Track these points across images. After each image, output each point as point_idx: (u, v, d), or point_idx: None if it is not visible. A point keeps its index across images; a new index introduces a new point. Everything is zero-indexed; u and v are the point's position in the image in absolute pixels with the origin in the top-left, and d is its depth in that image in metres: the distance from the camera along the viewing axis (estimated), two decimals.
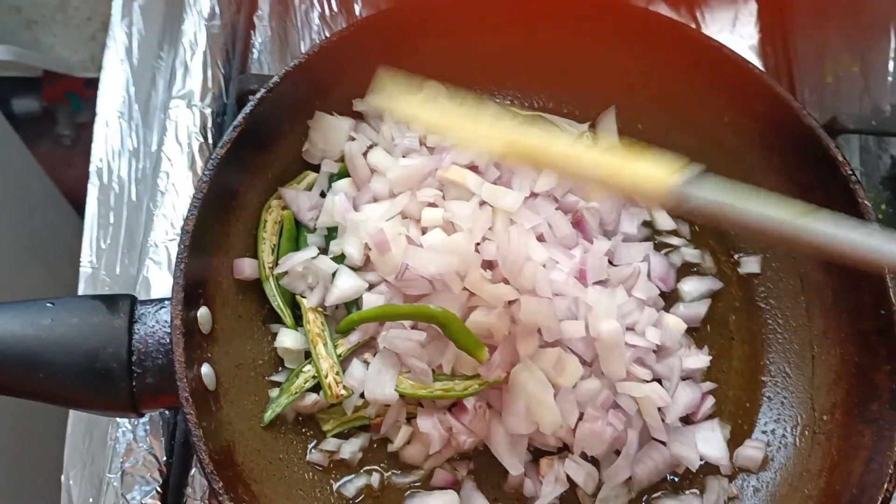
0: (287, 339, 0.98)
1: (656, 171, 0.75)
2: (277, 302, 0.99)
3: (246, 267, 0.99)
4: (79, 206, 2.12)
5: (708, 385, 1.02)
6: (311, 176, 1.07)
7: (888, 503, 0.84)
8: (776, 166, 1.04)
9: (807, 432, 0.98)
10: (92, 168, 1.21)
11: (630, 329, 0.98)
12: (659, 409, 0.95)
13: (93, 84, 1.29)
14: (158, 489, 1.01)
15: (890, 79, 1.37)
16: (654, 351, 0.99)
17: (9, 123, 1.85)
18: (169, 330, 0.85)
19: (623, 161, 0.77)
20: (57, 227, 2.06)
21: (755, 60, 1.30)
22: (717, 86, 1.05)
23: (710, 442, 0.98)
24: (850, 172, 0.95)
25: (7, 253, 1.72)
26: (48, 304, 0.85)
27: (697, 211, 0.73)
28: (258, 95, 0.94)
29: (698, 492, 0.98)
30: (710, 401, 1.01)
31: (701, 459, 0.97)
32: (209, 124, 1.19)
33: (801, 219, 0.68)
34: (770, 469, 0.98)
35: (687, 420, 1.00)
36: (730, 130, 1.07)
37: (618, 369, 0.94)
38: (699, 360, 1.01)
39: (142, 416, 0.90)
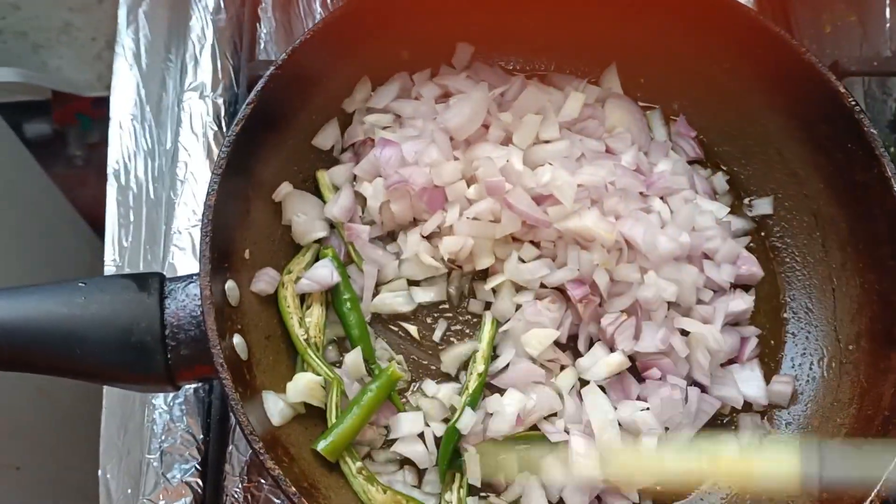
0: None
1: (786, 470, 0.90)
2: (323, 369, 0.97)
3: (262, 281, 0.99)
4: (95, 225, 2.16)
5: (752, 329, 1.03)
6: (312, 248, 1.06)
7: None
8: (780, 106, 1.05)
9: (833, 364, 0.99)
10: (109, 171, 1.24)
11: (708, 258, 1.02)
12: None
13: (101, 103, 1.33)
14: (198, 466, 1.02)
15: (888, 25, 1.38)
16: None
17: (24, 147, 1.88)
18: (199, 302, 0.87)
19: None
20: (76, 246, 2.09)
21: None
22: (715, 33, 1.06)
23: (749, 382, 0.99)
24: (853, 103, 0.96)
25: (29, 274, 1.75)
26: (80, 284, 0.87)
27: None
28: (268, 72, 0.97)
29: (734, 429, 1.00)
30: (754, 342, 1.02)
31: None
32: (222, 113, 1.22)
33: None
34: (801, 402, 0.99)
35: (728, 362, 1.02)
36: (731, 76, 1.08)
37: (688, 295, 0.97)
38: (744, 301, 1.03)
39: (178, 388, 0.91)
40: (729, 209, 1.08)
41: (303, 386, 0.94)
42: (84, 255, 2.07)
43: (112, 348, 0.86)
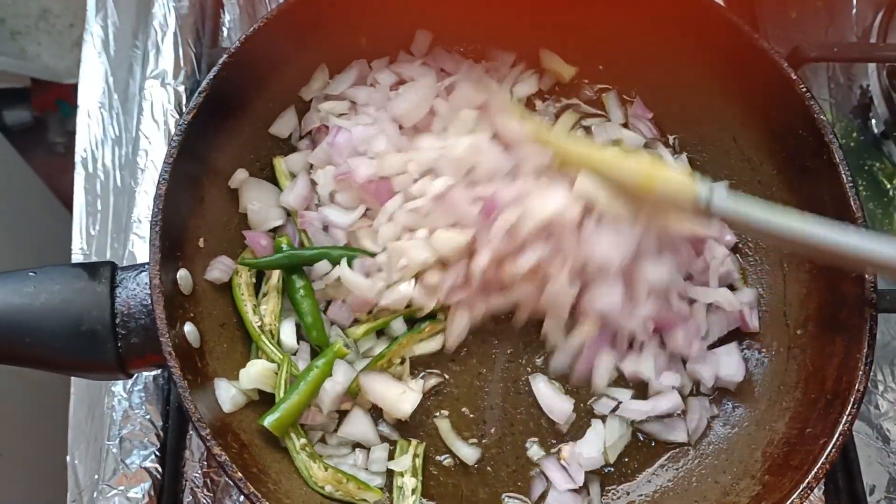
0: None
1: (684, 180, 0.89)
2: (276, 354, 0.98)
3: (216, 269, 0.99)
4: None
5: (749, 293, 1.05)
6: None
7: (860, 403, 0.86)
8: (735, 92, 1.06)
9: (782, 349, 1.00)
10: (77, 159, 1.24)
11: None
12: None
13: None
14: (157, 453, 1.04)
15: (854, 10, 1.38)
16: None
17: (3, 135, 1.89)
18: (149, 291, 0.88)
19: (656, 169, 0.92)
20: (57, 233, 2.10)
21: None
22: (672, 20, 1.06)
23: (729, 363, 1.01)
24: (804, 90, 0.96)
25: (8, 262, 1.76)
26: (30, 273, 0.88)
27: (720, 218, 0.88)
28: (221, 61, 0.97)
29: (681, 413, 1.01)
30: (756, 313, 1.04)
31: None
32: (184, 101, 1.22)
33: (808, 226, 0.79)
34: (749, 387, 1.00)
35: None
36: (687, 63, 1.08)
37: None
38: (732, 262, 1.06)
39: (130, 376, 0.93)
40: None
41: (255, 373, 0.95)
42: (66, 242, 2.07)
43: (62, 337, 0.87)
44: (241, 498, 1.02)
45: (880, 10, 1.34)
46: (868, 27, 1.36)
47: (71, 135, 2.42)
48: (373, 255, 1.00)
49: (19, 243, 1.87)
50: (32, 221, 2.01)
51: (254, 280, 1.02)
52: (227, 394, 0.93)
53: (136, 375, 1.05)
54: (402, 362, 1.00)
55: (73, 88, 2.26)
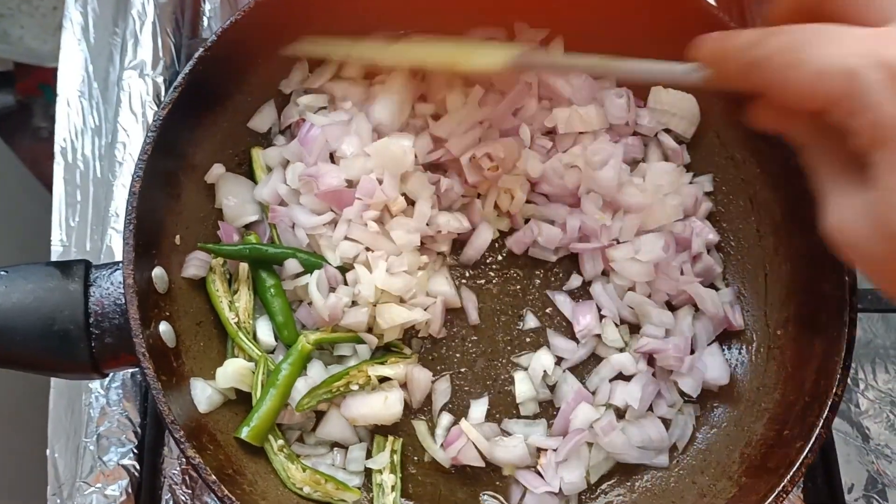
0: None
1: (498, 50, 0.91)
2: (254, 351, 0.97)
3: (192, 266, 0.98)
4: None
5: (727, 292, 1.04)
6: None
7: (837, 407, 0.86)
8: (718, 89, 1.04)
9: (762, 349, 0.99)
10: (56, 148, 1.23)
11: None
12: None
13: None
14: (134, 450, 1.03)
15: None
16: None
17: None
18: (123, 290, 0.87)
19: (471, 47, 0.96)
20: (40, 219, 2.07)
21: None
22: (659, 14, 1.03)
23: (713, 366, 1.00)
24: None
25: None
26: (2, 273, 0.87)
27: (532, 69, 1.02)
28: (196, 55, 0.95)
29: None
30: (738, 309, 1.03)
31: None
32: (162, 93, 1.21)
33: (607, 62, 0.85)
34: (729, 387, 1.00)
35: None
36: (674, 59, 1.06)
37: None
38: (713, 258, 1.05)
39: (105, 376, 0.92)
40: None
41: (232, 372, 0.94)
42: (48, 229, 2.05)
43: (35, 337, 0.86)
44: None
45: None
46: None
47: (54, 120, 2.41)
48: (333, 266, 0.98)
49: (1, 228, 1.85)
50: (15, 206, 1.99)
51: (228, 276, 1.01)
52: (204, 394, 0.92)
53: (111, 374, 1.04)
54: (368, 381, 0.98)
55: (57, 72, 2.26)
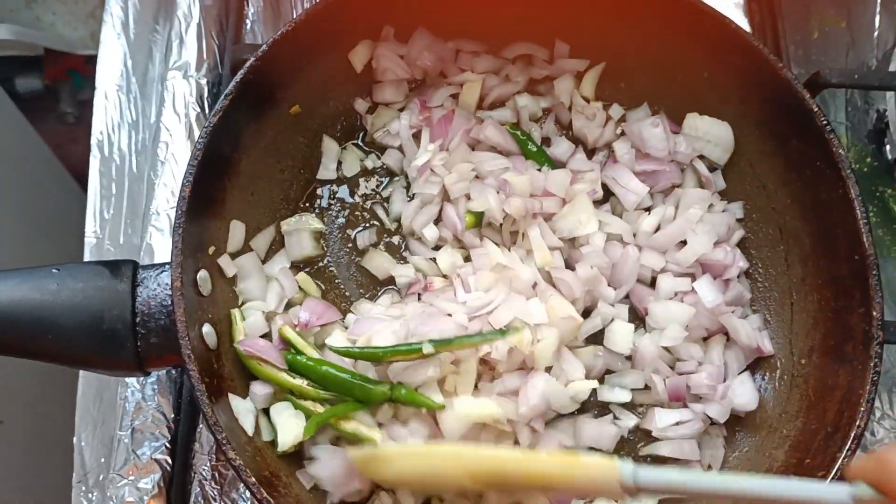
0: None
1: (603, 464, 0.78)
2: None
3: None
4: (84, 182, 2.14)
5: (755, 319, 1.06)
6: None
7: (860, 439, 0.88)
8: (754, 119, 1.07)
9: (786, 376, 1.02)
10: (93, 141, 1.25)
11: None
12: None
13: (93, 61, 1.31)
14: (167, 445, 1.06)
15: (876, 34, 1.38)
16: None
17: (12, 102, 1.88)
18: (170, 292, 0.89)
19: (572, 461, 0.81)
20: (63, 202, 2.10)
21: (741, 17, 1.32)
22: (696, 41, 1.07)
23: (743, 392, 1.02)
24: (824, 122, 0.97)
25: (14, 229, 1.76)
26: (54, 270, 0.89)
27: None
28: (248, 64, 0.97)
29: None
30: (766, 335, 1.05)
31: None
32: (205, 94, 1.22)
33: (733, 483, 0.73)
34: (752, 412, 1.02)
35: None
36: (709, 85, 1.09)
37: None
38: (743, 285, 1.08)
39: (148, 374, 0.94)
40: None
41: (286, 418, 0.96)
42: (71, 211, 2.07)
43: (83, 335, 0.88)
44: (247, 493, 1.04)
45: None
46: (889, 51, 1.36)
47: (81, 105, 2.44)
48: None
49: (25, 209, 1.87)
50: (40, 189, 2.01)
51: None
52: (247, 420, 0.94)
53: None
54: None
55: (86, 59, 2.28)
